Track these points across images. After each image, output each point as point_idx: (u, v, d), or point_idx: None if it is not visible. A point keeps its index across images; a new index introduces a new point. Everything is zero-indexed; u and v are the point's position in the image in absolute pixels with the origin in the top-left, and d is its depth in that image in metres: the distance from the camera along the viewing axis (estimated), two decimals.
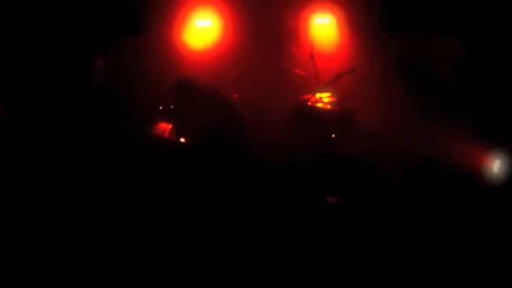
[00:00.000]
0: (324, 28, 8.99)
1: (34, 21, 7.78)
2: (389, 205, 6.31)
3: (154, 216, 6.17)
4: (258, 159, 6.86)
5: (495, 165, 7.24)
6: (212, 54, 8.60)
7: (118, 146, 7.06)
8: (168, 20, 8.47)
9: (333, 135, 7.92)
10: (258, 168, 6.71)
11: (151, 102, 7.84)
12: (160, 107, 7.81)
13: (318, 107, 8.24)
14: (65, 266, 5.64)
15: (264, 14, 8.73)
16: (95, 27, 8.00)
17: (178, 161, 6.84)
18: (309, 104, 8.27)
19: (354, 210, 6.25)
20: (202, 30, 8.71)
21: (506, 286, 5.57)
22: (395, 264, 5.67)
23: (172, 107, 7.62)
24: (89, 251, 5.79)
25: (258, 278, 5.59)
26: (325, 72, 8.38)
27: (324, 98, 8.27)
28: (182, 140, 7.29)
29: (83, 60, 7.96)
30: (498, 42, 8.11)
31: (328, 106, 8.27)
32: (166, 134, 7.42)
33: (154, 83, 8.03)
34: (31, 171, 6.67)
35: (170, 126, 7.45)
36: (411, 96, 8.28)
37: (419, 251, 5.81)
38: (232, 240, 5.90)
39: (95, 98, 7.70)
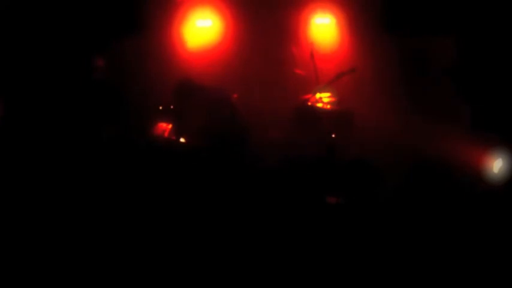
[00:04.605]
0: (324, 28, 8.99)
1: (35, 21, 7.78)
2: (390, 205, 6.31)
3: (154, 216, 6.17)
4: (258, 159, 6.86)
5: (495, 165, 7.23)
6: (212, 54, 8.60)
7: (118, 146, 7.06)
8: (168, 20, 8.48)
9: (333, 135, 7.93)
10: (257, 168, 6.71)
11: (151, 102, 7.85)
12: (160, 107, 7.81)
13: (318, 107, 8.24)
14: (65, 266, 5.64)
15: (264, 14, 8.74)
16: (95, 27, 8.01)
17: (178, 161, 6.84)
18: (309, 104, 8.28)
19: (354, 210, 6.25)
20: (202, 30, 8.71)
21: (506, 286, 5.57)
22: (396, 264, 5.67)
23: (172, 107, 7.62)
24: (89, 250, 5.79)
25: (259, 278, 5.59)
26: (325, 72, 8.38)
27: (324, 98, 8.27)
28: (182, 140, 7.29)
29: (83, 60, 7.95)
30: (498, 42, 8.11)
31: (328, 106, 8.27)
32: (166, 134, 7.42)
33: (155, 83, 8.04)
34: (31, 170, 6.67)
35: (170, 126, 7.45)
36: (411, 96, 8.29)
37: (419, 251, 5.80)
38: (232, 240, 5.89)
39: (95, 97, 7.70)
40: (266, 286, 5.57)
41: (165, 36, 8.48)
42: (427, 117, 7.89)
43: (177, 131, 7.34)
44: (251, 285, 5.58)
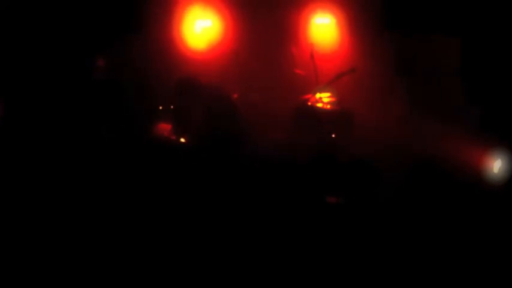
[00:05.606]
0: (324, 28, 8.98)
1: (35, 21, 7.78)
2: (389, 205, 6.30)
3: (154, 216, 6.17)
4: (258, 158, 6.86)
5: (495, 165, 7.23)
6: (212, 54, 8.61)
7: (118, 146, 7.06)
8: (168, 20, 8.48)
9: (333, 135, 7.93)
10: (258, 168, 6.71)
11: (151, 102, 7.85)
12: (161, 107, 7.82)
13: (318, 107, 8.25)
14: (65, 266, 5.64)
15: (264, 14, 8.74)
16: (96, 27, 8.01)
17: (178, 161, 6.84)
18: (309, 104, 8.28)
19: (354, 210, 6.25)
20: (202, 30, 8.71)
21: (506, 286, 5.57)
22: (396, 264, 5.67)
23: (172, 106, 7.62)
24: (90, 250, 5.79)
25: (259, 278, 5.59)
26: (325, 72, 8.38)
27: (324, 98, 8.27)
28: (182, 139, 7.29)
29: (84, 60, 7.96)
30: (498, 42, 8.11)
31: (328, 106, 8.28)
32: (166, 134, 7.42)
33: (155, 82, 8.04)
34: (32, 170, 6.67)
35: (170, 126, 7.45)
36: (411, 96, 8.29)
37: (419, 251, 5.80)
38: (232, 240, 5.89)
39: (95, 97, 7.70)
40: (266, 286, 5.57)
41: (166, 35, 8.48)
42: (427, 117, 7.88)
43: (177, 131, 7.34)
44: (251, 285, 5.58)
